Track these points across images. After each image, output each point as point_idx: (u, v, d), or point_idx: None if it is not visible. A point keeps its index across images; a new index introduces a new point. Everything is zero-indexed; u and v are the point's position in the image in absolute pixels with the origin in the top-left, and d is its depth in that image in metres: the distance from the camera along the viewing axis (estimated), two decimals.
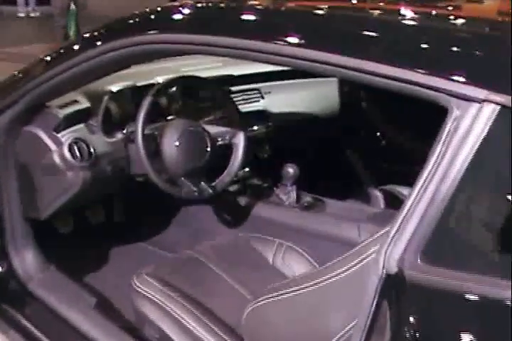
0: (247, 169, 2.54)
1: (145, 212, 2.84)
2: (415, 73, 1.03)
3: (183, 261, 2.03)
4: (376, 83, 1.10)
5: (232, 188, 2.53)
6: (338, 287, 1.22)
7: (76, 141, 1.96)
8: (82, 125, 2.04)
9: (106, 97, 2.12)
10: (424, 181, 1.00)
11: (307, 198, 2.45)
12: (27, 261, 2.14)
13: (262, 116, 2.63)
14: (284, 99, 2.73)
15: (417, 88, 1.04)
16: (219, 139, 2.20)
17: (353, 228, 2.15)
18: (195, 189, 2.06)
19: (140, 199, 2.75)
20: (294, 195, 2.42)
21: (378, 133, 2.97)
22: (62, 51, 1.79)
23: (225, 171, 2.20)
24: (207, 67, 2.51)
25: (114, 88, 2.16)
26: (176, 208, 2.70)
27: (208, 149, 2.09)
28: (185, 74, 2.27)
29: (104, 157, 2.03)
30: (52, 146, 1.95)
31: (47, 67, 1.80)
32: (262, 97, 2.67)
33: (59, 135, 1.96)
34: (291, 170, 2.38)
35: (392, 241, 1.02)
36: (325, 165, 2.77)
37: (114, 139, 2.09)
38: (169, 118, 2.25)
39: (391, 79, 1.06)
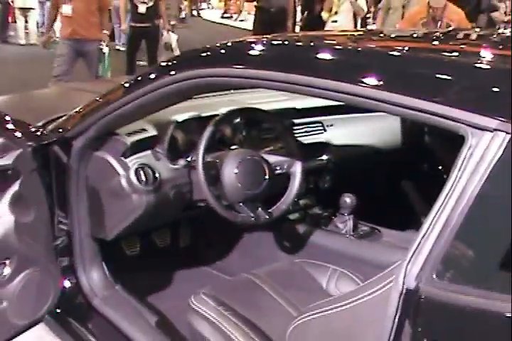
0: (304, 199, 2.63)
1: (209, 237, 2.95)
2: (437, 105, 1.11)
3: (239, 283, 2.12)
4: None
5: (293, 216, 2.64)
6: (369, 306, 1.27)
7: (142, 166, 2.09)
8: (148, 151, 2.15)
9: (172, 126, 2.24)
10: (442, 203, 1.07)
11: (363, 227, 2.52)
12: (93, 278, 2.27)
13: (323, 148, 2.69)
14: (346, 133, 2.78)
15: (439, 119, 1.11)
16: (277, 168, 2.27)
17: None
18: (252, 214, 2.12)
19: (205, 226, 2.86)
20: (350, 223, 2.50)
21: (440, 167, 2.96)
22: (138, 78, 1.90)
23: (282, 199, 2.25)
24: (272, 100, 2.61)
25: (180, 118, 2.28)
26: (239, 235, 2.79)
27: (266, 177, 2.15)
28: (248, 106, 2.36)
29: (167, 182, 2.13)
30: (120, 170, 2.07)
31: (122, 94, 1.92)
32: (325, 130, 2.72)
33: (126, 160, 2.08)
34: (348, 199, 2.48)
35: (411, 259, 1.08)
36: (382, 196, 2.78)
37: (177, 166, 2.19)
38: (233, 147, 2.34)
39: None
